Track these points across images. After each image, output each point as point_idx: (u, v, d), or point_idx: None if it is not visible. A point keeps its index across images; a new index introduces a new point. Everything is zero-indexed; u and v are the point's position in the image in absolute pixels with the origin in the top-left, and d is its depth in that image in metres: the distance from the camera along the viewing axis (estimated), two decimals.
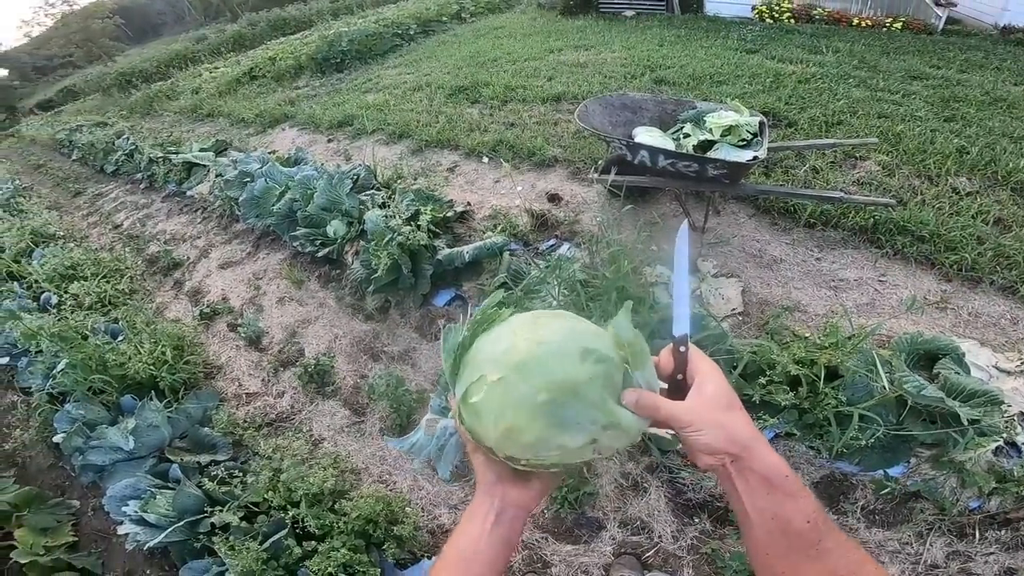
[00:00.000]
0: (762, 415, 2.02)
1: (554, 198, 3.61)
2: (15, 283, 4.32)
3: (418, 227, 3.05)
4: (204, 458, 2.63)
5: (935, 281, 2.74)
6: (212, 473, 2.48)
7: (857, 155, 3.73)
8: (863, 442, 1.86)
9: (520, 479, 0.62)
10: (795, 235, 3.04)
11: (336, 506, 2.17)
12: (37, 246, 5.10)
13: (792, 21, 7.87)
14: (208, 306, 3.88)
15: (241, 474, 2.40)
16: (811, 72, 5.32)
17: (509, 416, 0.56)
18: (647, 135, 2.73)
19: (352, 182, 3.71)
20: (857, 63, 5.62)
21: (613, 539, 2.11)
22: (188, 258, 4.54)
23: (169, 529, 2.21)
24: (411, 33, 9.53)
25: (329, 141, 5.64)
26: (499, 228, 3.24)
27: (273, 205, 4.07)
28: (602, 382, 0.58)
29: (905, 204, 3.21)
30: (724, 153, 2.62)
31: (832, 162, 3.66)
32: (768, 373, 2.09)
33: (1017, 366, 2.23)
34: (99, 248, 5.27)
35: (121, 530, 2.33)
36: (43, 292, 4.11)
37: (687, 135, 2.61)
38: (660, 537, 2.06)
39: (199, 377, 3.25)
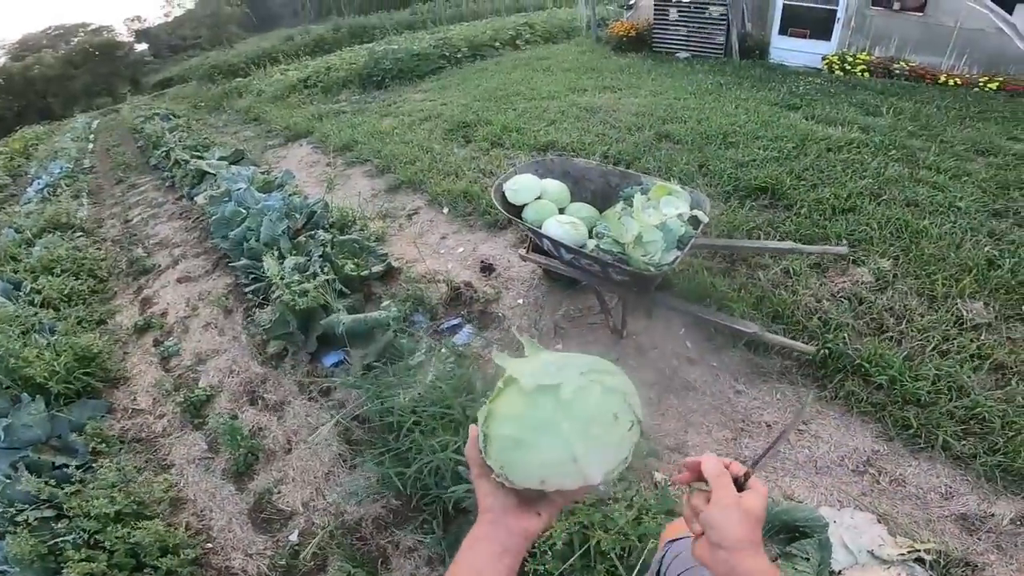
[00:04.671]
0: None
1: (487, 268, 3.33)
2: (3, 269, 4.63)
3: (315, 287, 2.89)
4: (60, 460, 2.73)
5: (870, 438, 2.22)
6: (58, 475, 2.58)
7: (852, 258, 3.15)
8: None
9: (526, 508, 0.63)
10: (726, 357, 2.57)
11: (131, 527, 2.25)
12: (54, 232, 5.50)
13: (866, 75, 7.07)
14: (145, 318, 3.97)
15: (79, 482, 2.50)
16: (850, 138, 4.67)
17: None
18: (559, 220, 2.40)
19: (286, 222, 3.63)
20: (916, 128, 4.88)
21: None
22: (159, 265, 4.69)
23: None
24: (458, 56, 9.55)
25: (328, 165, 5.68)
26: (407, 297, 3.02)
27: (229, 232, 4.09)
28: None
29: (881, 331, 2.64)
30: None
31: (816, 264, 3.11)
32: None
33: (900, 555, 1.74)
34: (104, 239, 5.60)
35: None
36: (23, 281, 4.38)
37: (600, 235, 2.25)
38: None
39: (98, 387, 3.35)
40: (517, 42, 10.66)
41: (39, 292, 4.14)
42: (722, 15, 7.95)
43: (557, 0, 17.04)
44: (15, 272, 4.58)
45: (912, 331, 2.63)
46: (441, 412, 2.13)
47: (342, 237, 3.45)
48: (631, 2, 9.56)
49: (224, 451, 2.74)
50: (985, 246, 3.11)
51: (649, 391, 2.45)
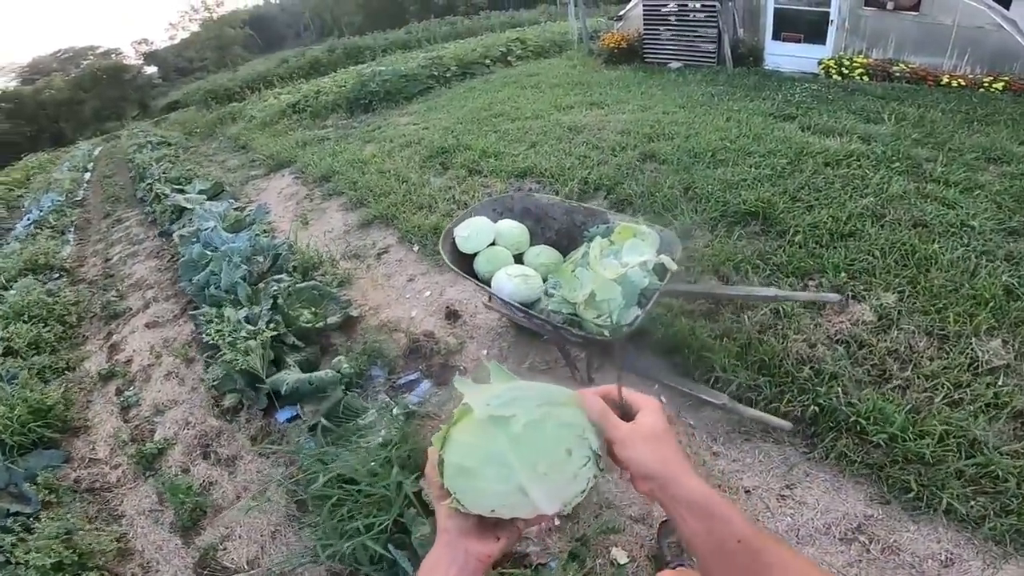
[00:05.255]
0: None
1: (452, 315, 3.10)
2: None
3: (261, 343, 2.69)
4: (15, 507, 2.72)
5: (863, 502, 1.96)
6: (8, 524, 2.57)
7: (852, 293, 2.87)
8: None
9: (484, 533, 0.62)
10: (704, 413, 2.31)
11: None
12: (32, 274, 5.40)
13: (865, 79, 6.79)
14: (110, 366, 3.84)
15: (26, 530, 2.49)
16: (849, 149, 4.38)
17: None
18: (509, 273, 2.17)
19: (245, 267, 3.45)
20: (921, 136, 4.57)
21: None
22: (130, 309, 4.54)
23: None
24: (447, 75, 9.41)
25: (306, 197, 5.52)
26: (363, 350, 2.81)
27: (195, 275, 3.93)
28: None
29: (883, 379, 2.37)
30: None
31: (811, 302, 2.83)
32: None
33: None
34: (82, 280, 5.48)
35: None
36: None
37: (550, 295, 2.01)
38: None
39: (55, 437, 3.28)
40: (508, 58, 10.53)
41: (6, 340, 4.04)
42: (711, 21, 7.73)
43: (553, 15, 16.96)
44: None
45: (919, 378, 2.35)
46: (369, 491, 1.92)
47: (300, 285, 3.26)
48: (620, 13, 9.38)
49: (171, 504, 2.64)
50: (1003, 273, 2.79)
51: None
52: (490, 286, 2.16)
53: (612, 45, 9.13)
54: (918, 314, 2.67)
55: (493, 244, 2.37)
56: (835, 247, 3.17)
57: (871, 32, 6.95)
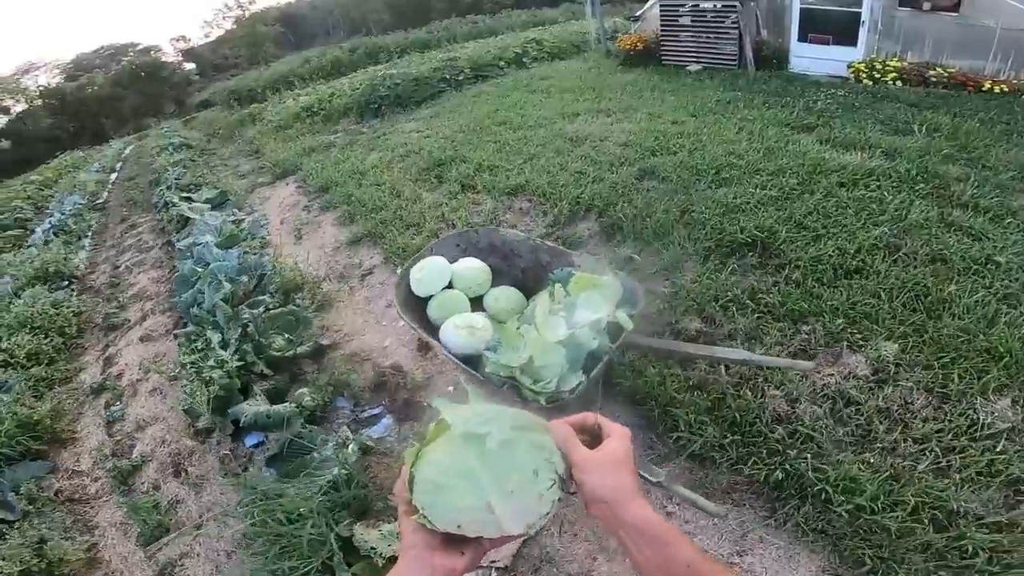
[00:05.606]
0: None
1: (424, 346, 3.01)
2: None
3: (227, 372, 2.66)
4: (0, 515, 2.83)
5: (814, 573, 1.82)
6: None
7: (847, 340, 2.64)
8: None
9: (450, 547, 0.63)
10: (665, 468, 2.13)
11: None
12: (42, 282, 5.56)
13: (898, 84, 6.36)
14: (102, 379, 3.92)
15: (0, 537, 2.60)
16: (870, 167, 4.05)
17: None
18: (456, 324, 2.05)
19: (227, 287, 3.43)
20: (953, 150, 4.17)
21: None
22: (128, 321, 4.61)
23: None
24: (459, 78, 9.28)
25: (304, 208, 5.51)
26: (329, 381, 2.76)
27: (186, 291, 3.94)
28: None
29: (867, 440, 2.16)
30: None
31: (802, 349, 2.62)
32: None
33: None
34: (90, 288, 5.62)
35: None
36: None
37: (487, 357, 1.89)
38: None
39: (43, 449, 3.40)
40: (524, 60, 10.32)
41: (7, 351, 4.16)
42: (731, 21, 7.38)
43: (575, 14, 16.64)
44: None
45: (906, 441, 2.15)
46: (296, 533, 1.86)
47: (275, 311, 3.22)
48: (638, 13, 9.07)
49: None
50: None
51: (564, 507, 2.07)
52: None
53: (629, 46, 8.85)
54: (920, 368, 2.43)
55: (450, 286, 2.25)
56: (837, 286, 2.92)
57: (906, 34, 6.50)
